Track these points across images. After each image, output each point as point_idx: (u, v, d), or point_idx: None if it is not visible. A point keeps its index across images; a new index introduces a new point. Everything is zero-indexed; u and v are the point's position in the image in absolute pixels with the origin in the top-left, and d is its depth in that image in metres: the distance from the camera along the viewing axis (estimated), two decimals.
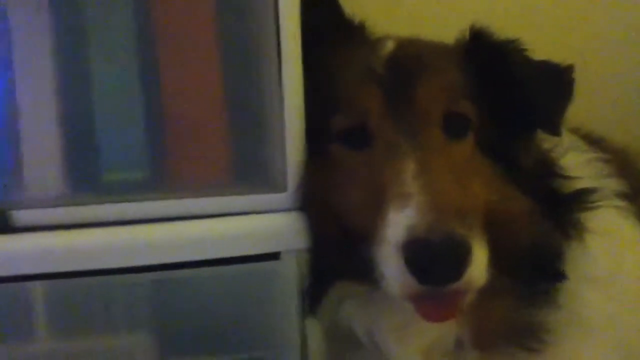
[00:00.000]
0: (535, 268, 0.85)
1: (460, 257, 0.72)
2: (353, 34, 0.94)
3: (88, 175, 0.82)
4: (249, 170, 0.84)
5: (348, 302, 0.87)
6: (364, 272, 0.80)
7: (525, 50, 0.91)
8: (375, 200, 0.78)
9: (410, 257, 0.72)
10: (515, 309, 0.86)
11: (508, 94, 0.87)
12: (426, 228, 0.72)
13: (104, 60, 0.81)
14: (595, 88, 1.27)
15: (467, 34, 0.92)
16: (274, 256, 0.81)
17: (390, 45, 0.90)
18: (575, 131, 1.09)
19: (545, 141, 0.92)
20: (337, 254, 0.84)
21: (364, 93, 0.85)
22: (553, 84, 0.90)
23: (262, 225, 0.81)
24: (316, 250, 0.83)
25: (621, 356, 0.90)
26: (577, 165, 0.95)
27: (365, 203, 0.80)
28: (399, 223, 0.74)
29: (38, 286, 0.77)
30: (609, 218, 0.93)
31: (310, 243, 0.82)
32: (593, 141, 1.10)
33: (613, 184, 0.98)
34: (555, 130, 0.88)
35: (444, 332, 0.86)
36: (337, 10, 0.95)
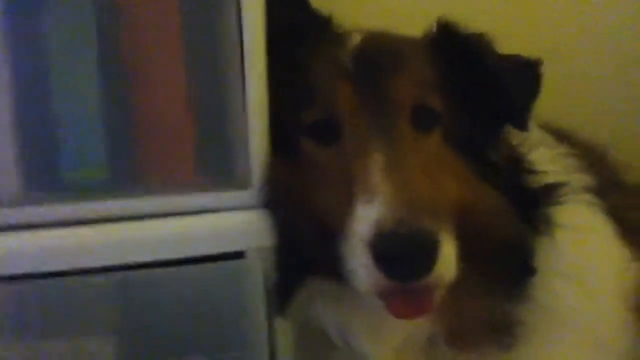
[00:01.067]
0: (506, 263, 0.85)
1: (428, 252, 0.71)
2: (320, 27, 0.93)
3: (47, 174, 0.79)
4: (212, 168, 0.82)
5: (318, 300, 0.85)
6: (335, 268, 0.78)
7: (493, 43, 0.90)
8: (344, 195, 0.77)
9: (377, 251, 0.71)
10: (487, 305, 0.85)
11: (476, 88, 0.87)
12: (393, 222, 0.71)
13: (63, 54, 0.79)
14: (568, 83, 1.28)
15: (434, 27, 0.91)
16: (239, 255, 0.79)
17: (357, 39, 0.89)
18: (544, 126, 1.09)
19: (514, 136, 0.92)
20: (307, 250, 0.82)
21: (331, 87, 0.84)
22: (521, 78, 0.90)
23: (226, 223, 0.79)
24: (285, 247, 0.82)
25: (594, 349, 0.90)
26: (546, 160, 0.95)
27: (334, 198, 0.79)
28: (366, 217, 0.73)
29: None
30: (578, 213, 0.93)
31: (279, 239, 0.81)
32: (562, 136, 1.10)
33: (582, 179, 0.98)
34: (523, 125, 0.87)
35: (417, 329, 0.85)
36: (304, 4, 0.94)
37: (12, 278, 0.75)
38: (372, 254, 0.71)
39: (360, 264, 0.73)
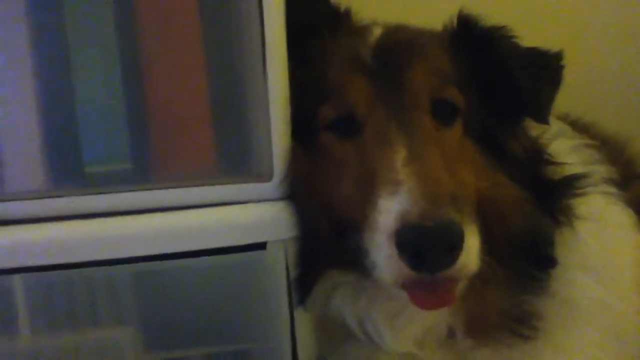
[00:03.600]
0: (526, 255, 0.85)
1: (453, 243, 0.71)
2: (339, 22, 0.93)
3: (70, 167, 0.80)
4: (234, 160, 0.82)
5: (338, 292, 0.86)
6: (355, 260, 0.79)
7: (514, 36, 0.90)
8: (366, 188, 0.77)
9: (402, 243, 0.71)
10: (507, 296, 0.85)
11: (496, 81, 0.87)
12: (418, 214, 0.71)
13: (84, 50, 0.79)
14: (587, 75, 1.27)
15: (454, 20, 0.91)
16: (260, 246, 0.80)
17: (377, 32, 0.89)
18: (564, 118, 1.08)
19: (534, 128, 0.92)
20: (328, 242, 0.82)
21: (351, 81, 0.84)
22: (541, 71, 0.89)
23: (248, 215, 0.79)
24: (306, 240, 0.82)
25: (613, 341, 0.90)
26: (566, 151, 0.95)
27: (355, 191, 0.79)
28: (390, 210, 0.73)
29: (19, 279, 0.76)
30: (598, 204, 0.93)
31: (300, 232, 0.81)
32: (582, 128, 1.10)
33: (602, 170, 0.97)
34: (543, 118, 0.87)
35: (437, 320, 0.85)
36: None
37: (38, 269, 0.76)
38: (397, 245, 0.71)
39: (384, 255, 0.73)
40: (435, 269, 0.72)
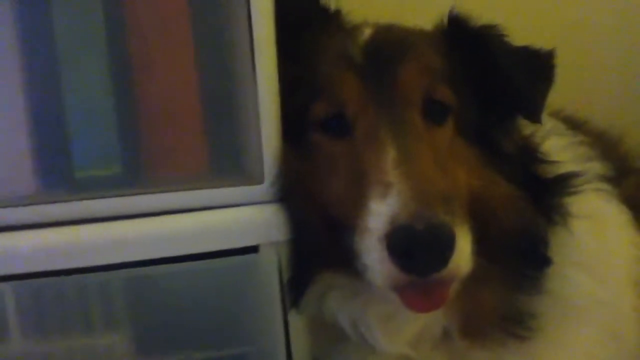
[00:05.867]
0: (520, 254, 0.84)
1: (444, 246, 0.71)
2: (329, 21, 0.93)
3: (60, 172, 0.79)
4: (225, 163, 0.82)
5: (332, 294, 0.85)
6: (348, 262, 0.78)
7: (505, 35, 0.89)
8: (357, 189, 0.77)
9: (393, 246, 0.71)
10: (502, 296, 0.85)
11: (488, 80, 0.86)
12: (409, 216, 0.70)
13: (73, 54, 0.79)
14: (578, 72, 1.27)
15: (445, 19, 0.91)
16: (253, 249, 0.79)
17: (367, 32, 0.88)
18: (556, 115, 1.08)
19: (527, 126, 0.91)
20: (320, 244, 0.82)
21: (342, 81, 0.84)
22: (533, 70, 0.89)
23: (240, 218, 0.79)
24: (298, 242, 0.81)
25: (609, 338, 0.90)
26: (559, 149, 0.94)
27: (347, 192, 0.79)
28: (381, 212, 0.72)
29: (9, 287, 0.75)
30: (592, 201, 0.92)
31: (292, 234, 0.81)
32: (575, 124, 1.10)
33: (596, 167, 0.97)
34: (536, 117, 0.87)
35: (431, 321, 0.85)
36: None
37: (29, 276, 0.75)
38: (388, 248, 0.71)
39: (375, 258, 0.73)
40: (426, 272, 0.71)
